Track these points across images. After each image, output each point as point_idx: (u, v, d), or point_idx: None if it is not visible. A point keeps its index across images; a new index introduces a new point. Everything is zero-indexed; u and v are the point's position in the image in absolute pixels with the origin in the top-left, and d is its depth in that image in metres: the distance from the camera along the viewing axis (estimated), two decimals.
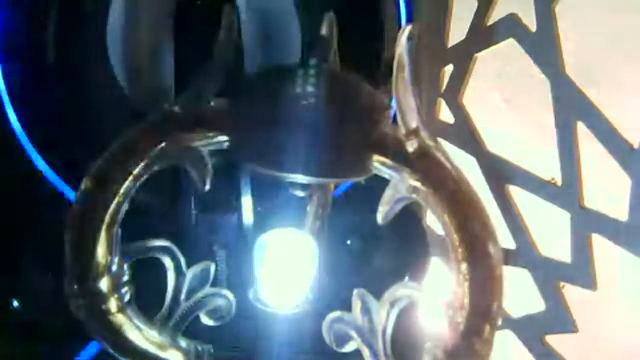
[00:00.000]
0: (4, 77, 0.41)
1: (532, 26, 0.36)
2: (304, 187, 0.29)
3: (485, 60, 0.42)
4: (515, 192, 0.39)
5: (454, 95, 0.44)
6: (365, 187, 0.29)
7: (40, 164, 0.41)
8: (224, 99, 0.28)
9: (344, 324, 0.29)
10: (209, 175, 0.28)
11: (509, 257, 0.39)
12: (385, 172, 0.27)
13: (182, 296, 0.29)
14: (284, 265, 0.29)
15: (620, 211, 0.31)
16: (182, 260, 0.29)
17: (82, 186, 0.27)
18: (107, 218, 0.26)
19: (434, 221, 0.46)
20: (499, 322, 0.26)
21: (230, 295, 0.30)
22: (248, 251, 0.30)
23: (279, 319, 0.30)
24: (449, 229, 0.26)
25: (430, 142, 0.27)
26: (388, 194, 0.27)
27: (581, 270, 0.34)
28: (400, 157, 0.27)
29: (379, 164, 0.27)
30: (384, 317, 0.28)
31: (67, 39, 0.42)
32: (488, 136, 0.42)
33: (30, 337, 0.41)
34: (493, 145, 0.42)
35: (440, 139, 0.27)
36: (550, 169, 0.36)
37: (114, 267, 0.27)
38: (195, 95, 0.28)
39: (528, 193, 0.38)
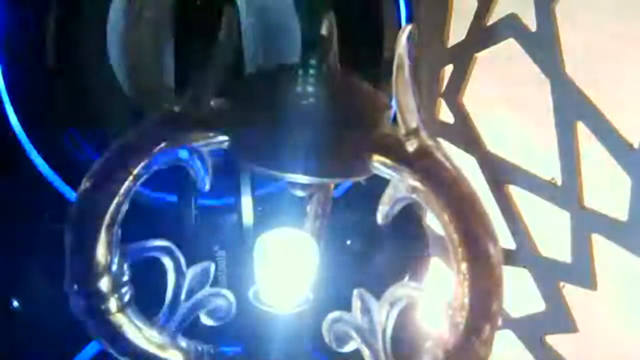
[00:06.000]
0: (4, 77, 0.41)
1: (532, 26, 0.36)
2: (304, 187, 0.29)
3: (485, 60, 0.42)
4: (515, 192, 0.39)
5: (454, 95, 0.44)
6: (365, 187, 0.29)
7: (40, 164, 0.41)
8: (224, 99, 0.28)
9: (344, 324, 0.29)
10: (209, 175, 0.28)
11: (509, 257, 0.39)
12: (385, 172, 0.27)
13: (182, 296, 0.29)
14: (284, 265, 0.29)
15: (620, 211, 0.31)
16: (182, 260, 0.29)
17: (82, 186, 0.27)
18: (107, 218, 0.26)
19: (434, 221, 0.46)
20: (499, 322, 0.26)
21: (230, 295, 0.30)
22: (248, 251, 0.30)
23: (279, 319, 0.30)
24: (449, 229, 0.26)
25: (430, 142, 0.27)
26: (388, 194, 0.27)
27: (581, 270, 0.34)
28: (400, 157, 0.26)
29: (379, 164, 0.27)
30: (384, 317, 0.28)
31: (67, 39, 0.42)
32: (488, 136, 0.42)
33: (30, 337, 0.41)
34: (493, 145, 0.42)
35: (440, 139, 0.27)
36: (550, 169, 0.36)
37: (114, 267, 0.27)
38: (196, 96, 0.28)
39: (528, 193, 0.38)
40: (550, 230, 0.37)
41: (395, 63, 0.27)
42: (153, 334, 0.28)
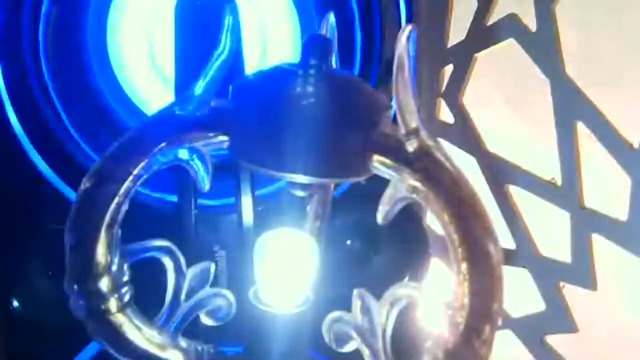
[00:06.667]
0: (4, 77, 0.41)
1: (532, 26, 0.36)
2: (304, 187, 0.29)
3: (485, 60, 0.42)
4: (515, 192, 0.39)
5: (454, 95, 0.44)
6: (365, 187, 0.29)
7: (40, 164, 0.41)
8: (224, 99, 0.28)
9: (344, 324, 0.29)
10: (209, 175, 0.28)
11: (509, 257, 0.39)
12: (385, 172, 0.27)
13: (182, 296, 0.29)
14: (284, 265, 0.29)
15: (620, 211, 0.31)
16: (182, 260, 0.29)
17: (82, 186, 0.27)
18: (107, 218, 0.26)
19: (434, 221, 0.46)
20: (499, 322, 0.26)
21: (230, 295, 0.30)
22: (248, 251, 0.30)
23: (279, 319, 0.30)
24: (449, 229, 0.26)
25: (430, 142, 0.27)
26: (388, 194, 0.27)
27: (581, 270, 0.34)
28: (400, 157, 0.26)
29: (379, 164, 0.27)
30: (384, 317, 0.28)
31: (67, 39, 0.42)
32: (488, 136, 0.42)
33: (30, 337, 0.41)
34: (493, 145, 0.42)
35: (440, 139, 0.27)
36: (550, 169, 0.36)
37: (114, 267, 0.27)
38: (196, 96, 0.28)
39: (528, 193, 0.38)
40: (550, 230, 0.37)
41: (395, 63, 0.27)
42: (153, 334, 0.28)
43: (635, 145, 0.30)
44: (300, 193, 0.29)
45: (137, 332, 0.28)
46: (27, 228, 0.41)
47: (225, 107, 0.28)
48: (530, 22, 0.36)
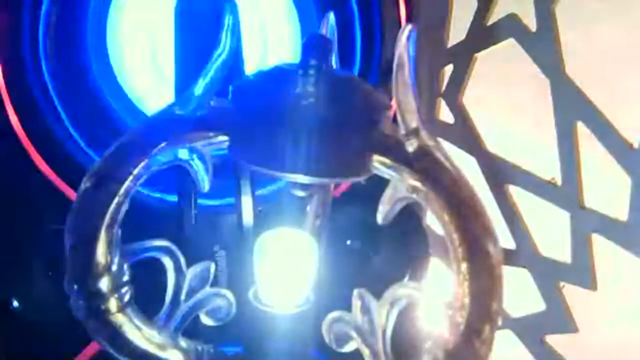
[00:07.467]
0: (4, 77, 0.41)
1: (532, 26, 0.36)
2: (304, 187, 0.29)
3: (485, 60, 0.42)
4: (515, 192, 0.40)
5: (454, 95, 0.44)
6: (365, 187, 0.29)
7: (40, 164, 0.41)
8: (224, 99, 0.28)
9: (344, 324, 0.29)
10: (209, 175, 0.28)
11: (509, 257, 0.39)
12: (385, 172, 0.27)
13: (182, 296, 0.29)
14: (284, 265, 0.29)
15: (620, 211, 0.31)
16: (182, 260, 0.29)
17: (82, 186, 0.27)
18: (107, 218, 0.26)
19: (434, 221, 0.46)
20: (499, 322, 0.26)
21: (230, 295, 0.30)
22: (248, 251, 0.30)
23: (279, 319, 0.30)
24: (449, 228, 0.26)
25: (430, 142, 0.27)
26: (388, 194, 0.27)
27: (581, 270, 0.34)
28: (400, 157, 0.26)
29: (379, 164, 0.27)
30: (384, 317, 0.28)
31: (67, 39, 0.42)
32: (488, 136, 0.42)
33: (30, 337, 0.41)
34: (493, 145, 0.42)
35: (440, 139, 0.27)
36: (550, 169, 0.36)
37: (114, 267, 0.27)
38: (196, 96, 0.28)
39: (528, 193, 0.38)
40: (550, 230, 0.37)
41: (395, 63, 0.27)
42: (153, 334, 0.28)
43: (635, 145, 0.30)
44: (300, 193, 0.29)
45: (137, 332, 0.28)
46: (27, 228, 0.41)
47: (225, 107, 0.28)
48: (530, 22, 0.36)
